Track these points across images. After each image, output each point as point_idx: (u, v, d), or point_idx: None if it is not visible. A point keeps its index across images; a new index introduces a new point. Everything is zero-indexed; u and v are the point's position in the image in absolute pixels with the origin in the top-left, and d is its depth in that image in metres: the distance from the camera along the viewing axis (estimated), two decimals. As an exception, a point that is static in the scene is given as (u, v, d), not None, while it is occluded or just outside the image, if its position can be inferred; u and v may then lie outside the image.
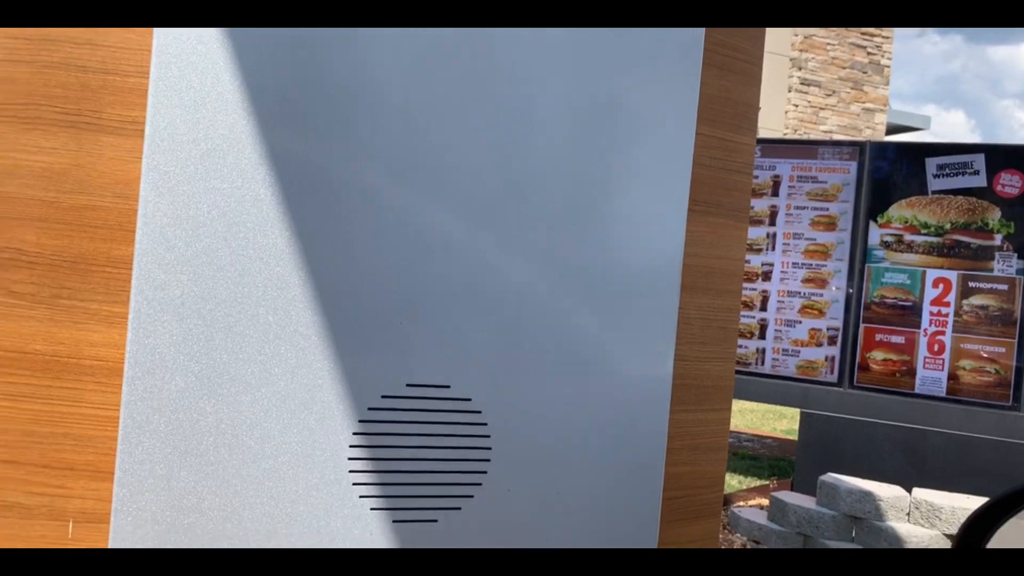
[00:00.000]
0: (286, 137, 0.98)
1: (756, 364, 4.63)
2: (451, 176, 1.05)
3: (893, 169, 4.41)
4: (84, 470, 0.95)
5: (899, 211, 4.35)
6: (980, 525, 0.82)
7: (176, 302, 0.95)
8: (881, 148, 4.44)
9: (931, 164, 4.35)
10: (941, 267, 4.25)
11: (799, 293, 4.52)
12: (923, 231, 4.30)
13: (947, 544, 3.51)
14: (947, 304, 4.22)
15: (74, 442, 0.95)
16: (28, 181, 0.93)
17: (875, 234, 4.37)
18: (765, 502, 4.31)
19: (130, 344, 0.93)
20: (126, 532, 0.93)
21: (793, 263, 4.54)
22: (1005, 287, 4.16)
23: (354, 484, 1.02)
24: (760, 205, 4.50)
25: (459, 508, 1.08)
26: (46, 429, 0.94)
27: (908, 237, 4.32)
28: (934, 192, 4.31)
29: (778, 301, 4.58)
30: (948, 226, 4.25)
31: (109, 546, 0.93)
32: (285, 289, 0.99)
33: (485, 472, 1.09)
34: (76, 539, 0.95)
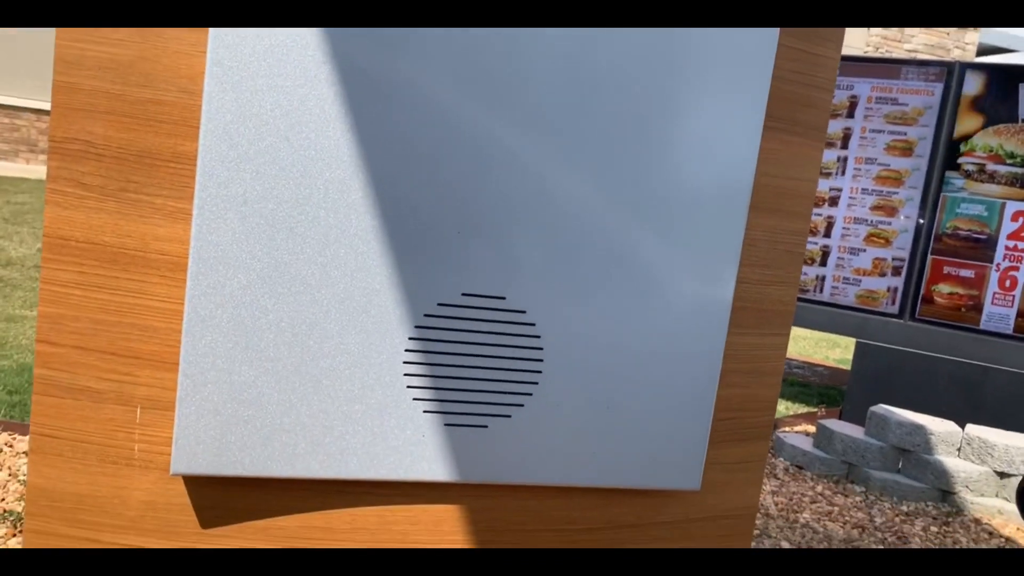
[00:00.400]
0: (351, 38, 0.95)
1: (814, 291, 4.54)
2: (515, 87, 1.02)
3: (982, 93, 4.15)
4: (150, 359, 0.99)
5: (984, 139, 4.11)
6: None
7: (239, 200, 0.95)
8: (971, 70, 4.17)
9: (1024, 89, 4.07)
10: (1022, 199, 4.04)
11: (866, 220, 4.37)
12: (1008, 161, 4.07)
13: (997, 481, 3.47)
14: (1024, 239, 4.03)
15: (140, 332, 0.98)
16: (94, 72, 0.93)
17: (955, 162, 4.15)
18: (811, 429, 4.30)
19: (194, 240, 0.94)
20: (189, 421, 0.97)
21: (863, 189, 4.37)
22: (1090, 224, 3.94)
23: (408, 387, 1.04)
24: (834, 127, 4.31)
25: (509, 416, 1.09)
26: (114, 318, 0.97)
27: (991, 167, 4.10)
28: (1024, 119, 4.04)
29: (843, 228, 4.43)
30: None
31: (174, 434, 0.97)
32: (346, 192, 0.98)
33: (536, 383, 1.10)
34: (143, 423, 0.99)
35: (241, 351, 0.98)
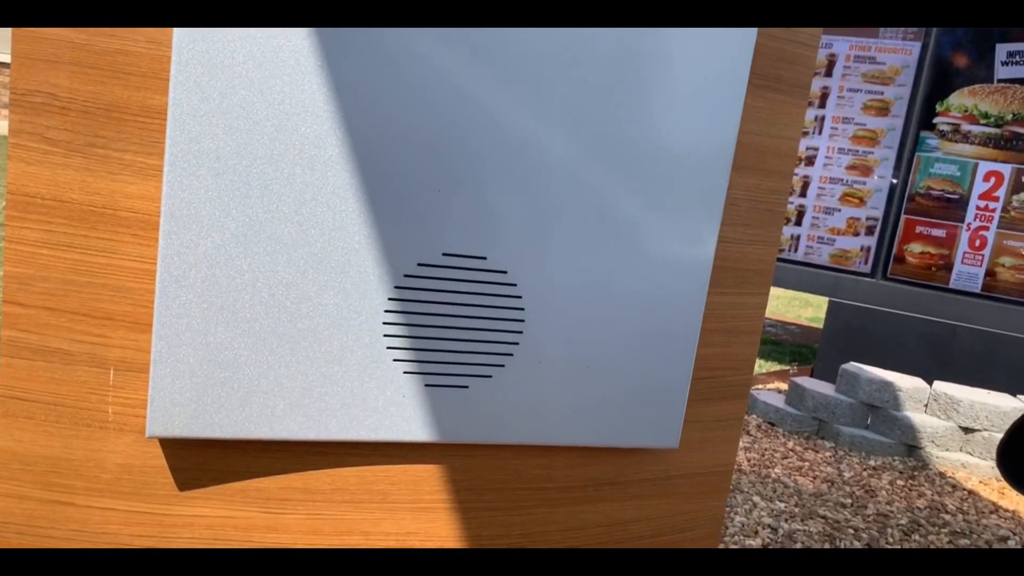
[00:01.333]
0: (325, -17, 0.91)
1: (789, 251, 4.58)
2: (496, 42, 0.99)
3: (959, 53, 4.15)
4: (123, 320, 0.96)
5: (960, 99, 4.13)
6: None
7: (211, 156, 0.92)
8: (949, 30, 4.16)
9: (1001, 51, 4.08)
10: (995, 160, 4.08)
11: (842, 180, 4.40)
12: (982, 121, 4.09)
13: (961, 436, 3.56)
14: (996, 199, 4.08)
15: (112, 293, 0.96)
16: (57, 20, 0.89)
17: (930, 121, 4.17)
18: (783, 386, 4.38)
19: (165, 197, 0.91)
20: (164, 383, 0.95)
21: (839, 148, 4.38)
22: (1060, 184, 4.00)
23: (388, 348, 1.03)
24: (812, 86, 4.29)
25: (490, 376, 1.09)
26: (84, 279, 0.94)
27: (966, 127, 4.13)
28: (1000, 80, 4.07)
29: (819, 188, 4.46)
30: (1010, 117, 4.04)
31: (148, 396, 0.95)
32: (322, 148, 0.95)
33: (517, 344, 1.09)
34: (117, 386, 0.98)
35: (216, 312, 0.96)
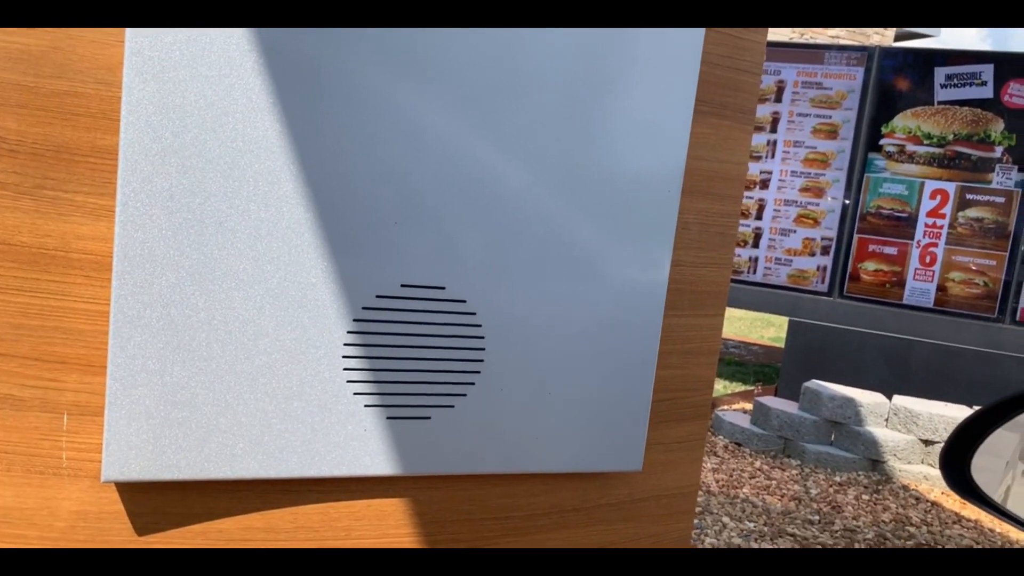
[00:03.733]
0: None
1: (748, 272, 4.66)
2: (448, 70, 1.01)
3: (900, 77, 4.30)
4: (76, 363, 0.95)
5: (903, 121, 4.27)
6: (967, 435, 0.83)
7: (164, 195, 0.92)
8: (890, 55, 4.32)
9: (940, 74, 4.24)
10: (940, 178, 4.22)
11: (796, 202, 4.50)
12: (925, 142, 4.23)
13: (922, 448, 3.62)
14: (943, 216, 4.21)
15: (64, 335, 0.94)
16: (4, 64, 0.88)
17: (877, 144, 4.30)
18: (748, 406, 4.42)
19: (118, 237, 0.91)
20: (120, 426, 0.94)
21: (792, 171, 4.49)
22: (1002, 200, 4.15)
23: (348, 381, 1.03)
24: (762, 111, 4.40)
25: (452, 406, 1.09)
26: (35, 322, 0.93)
27: (910, 147, 4.27)
28: (940, 102, 4.22)
29: (774, 210, 4.56)
30: (951, 137, 4.18)
31: (103, 440, 0.93)
32: (277, 184, 0.96)
33: (479, 372, 1.09)
34: (70, 431, 0.96)
35: (172, 351, 0.95)
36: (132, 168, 0.90)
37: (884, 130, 4.29)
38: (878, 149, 4.32)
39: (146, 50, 0.89)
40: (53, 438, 0.95)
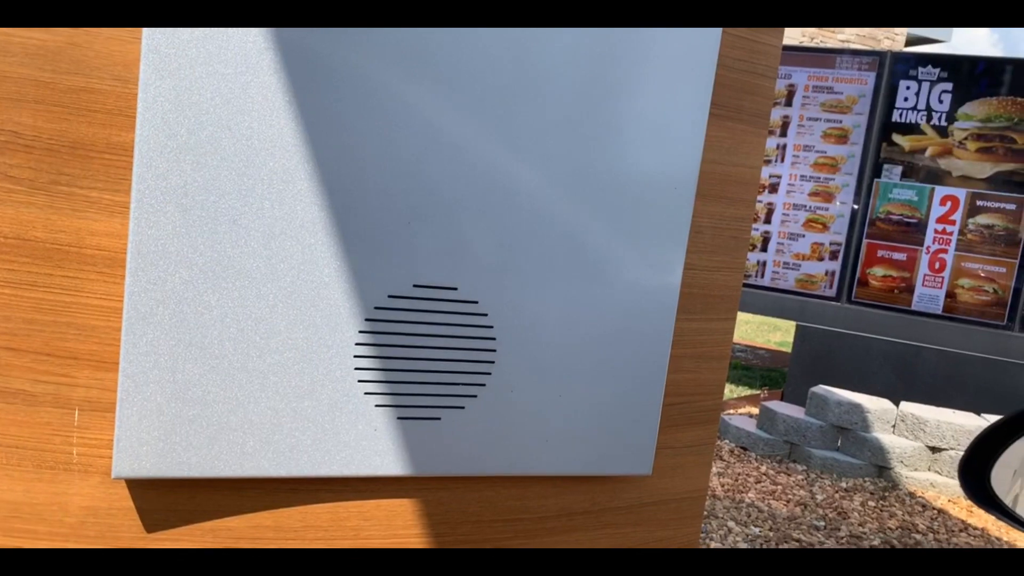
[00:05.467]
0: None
1: (756, 277, 4.64)
2: (463, 74, 1.00)
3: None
4: (88, 360, 0.95)
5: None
6: (987, 445, 0.83)
7: (179, 192, 0.92)
8: (901, 59, 4.30)
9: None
10: (950, 184, 4.19)
11: (805, 207, 4.48)
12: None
13: (929, 455, 3.61)
14: (952, 222, 4.19)
15: (77, 331, 0.94)
16: (22, 59, 0.88)
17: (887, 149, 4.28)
18: (755, 411, 4.41)
19: (132, 234, 0.91)
20: (131, 422, 0.94)
21: (801, 176, 4.48)
22: (1013, 207, 4.12)
23: (359, 381, 1.03)
24: (773, 115, 4.39)
25: (463, 407, 1.09)
26: (48, 318, 0.93)
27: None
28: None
29: (783, 214, 4.54)
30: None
31: (115, 436, 0.93)
32: (291, 183, 0.96)
33: (489, 373, 1.09)
34: (81, 426, 0.96)
35: (184, 348, 0.95)
36: (147, 165, 0.90)
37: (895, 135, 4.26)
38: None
39: (163, 47, 0.89)
40: (64, 434, 0.95)
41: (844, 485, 3.51)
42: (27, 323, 0.93)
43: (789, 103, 4.47)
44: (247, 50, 0.92)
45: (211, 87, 0.91)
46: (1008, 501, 0.90)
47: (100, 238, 0.94)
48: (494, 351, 1.09)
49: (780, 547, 2.65)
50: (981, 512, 3.52)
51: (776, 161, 4.51)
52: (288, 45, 0.93)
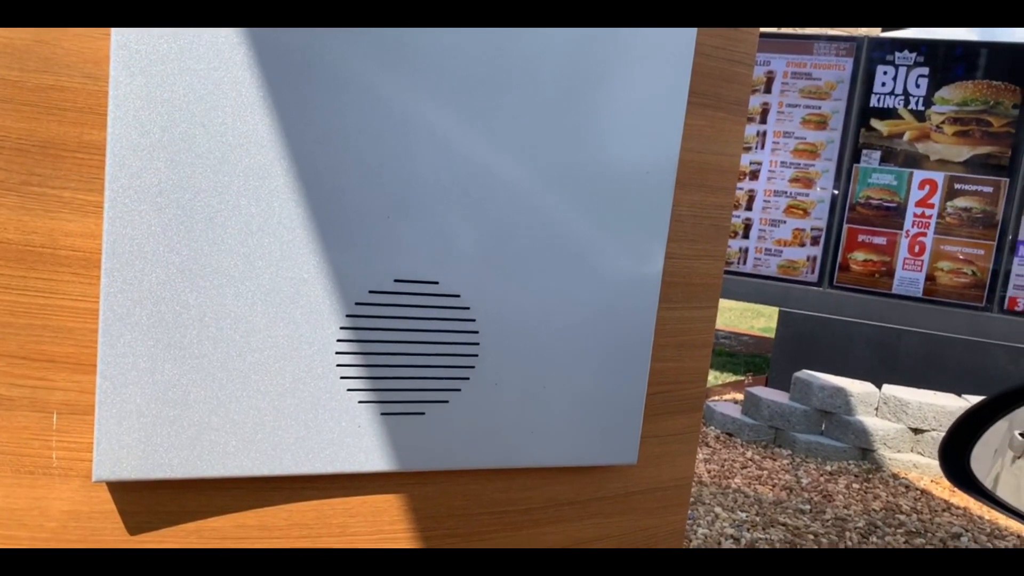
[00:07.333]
0: (264, 15, 0.91)
1: (738, 263, 4.66)
2: (439, 63, 1.00)
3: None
4: (65, 362, 0.94)
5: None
6: (966, 428, 0.84)
7: (153, 190, 0.90)
8: (878, 45, 4.32)
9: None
10: (929, 168, 4.23)
11: (785, 193, 4.51)
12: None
13: (911, 437, 3.65)
14: (931, 206, 4.23)
15: (53, 334, 0.93)
16: (-13, 58, 0.87)
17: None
18: (739, 397, 4.44)
19: (106, 234, 0.90)
20: (111, 424, 0.93)
21: (781, 162, 4.50)
22: (990, 189, 4.16)
23: (342, 378, 1.02)
24: (752, 102, 4.41)
25: (447, 401, 1.08)
26: (23, 320, 0.92)
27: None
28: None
29: (764, 201, 4.56)
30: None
31: (94, 439, 0.92)
32: (268, 179, 0.95)
33: (473, 367, 1.09)
34: (60, 430, 0.95)
35: (163, 349, 0.94)
36: (120, 164, 0.89)
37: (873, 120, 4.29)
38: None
39: (132, 44, 0.88)
40: (43, 438, 0.94)
41: (829, 468, 3.54)
42: (1, 327, 0.91)
43: (768, 90, 4.49)
44: (220, 45, 0.90)
45: (183, 83, 0.90)
46: (988, 482, 0.91)
47: (74, 239, 0.92)
48: (477, 344, 1.08)
49: (767, 531, 2.68)
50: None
51: (756, 148, 4.53)
52: (262, 39, 0.92)
